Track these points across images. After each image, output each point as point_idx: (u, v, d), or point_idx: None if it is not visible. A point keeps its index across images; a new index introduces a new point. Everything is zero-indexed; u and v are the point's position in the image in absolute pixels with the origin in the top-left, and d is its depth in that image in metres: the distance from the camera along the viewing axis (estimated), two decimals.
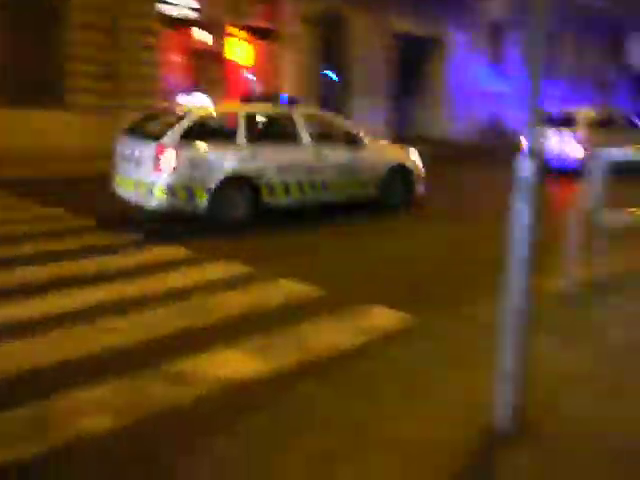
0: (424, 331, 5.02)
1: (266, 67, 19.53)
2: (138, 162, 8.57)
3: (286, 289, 6.19)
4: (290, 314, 5.45)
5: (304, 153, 9.36)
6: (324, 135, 10.04)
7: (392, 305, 5.63)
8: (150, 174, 8.33)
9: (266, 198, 8.94)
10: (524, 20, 3.34)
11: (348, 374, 4.27)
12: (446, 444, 3.40)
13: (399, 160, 10.48)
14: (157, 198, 8.29)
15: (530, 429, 3.49)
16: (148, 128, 9.26)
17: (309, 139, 9.45)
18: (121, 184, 8.97)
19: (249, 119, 9.11)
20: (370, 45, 20.95)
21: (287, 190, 9.13)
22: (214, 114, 9.52)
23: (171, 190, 8.25)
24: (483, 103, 23.64)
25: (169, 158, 8.21)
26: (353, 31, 20.60)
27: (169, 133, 8.39)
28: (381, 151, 10.56)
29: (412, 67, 22.31)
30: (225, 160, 8.62)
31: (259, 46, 19.36)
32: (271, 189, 8.97)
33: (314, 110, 10.84)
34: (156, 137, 8.50)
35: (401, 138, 21.43)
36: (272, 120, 9.87)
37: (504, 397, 3.46)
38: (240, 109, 9.24)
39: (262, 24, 18.96)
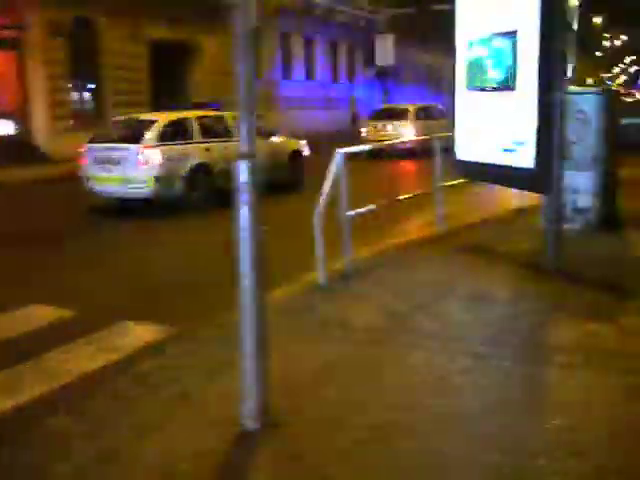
0: (178, 342, 4.96)
1: (9, 79, 18.21)
2: (122, 162, 10.71)
3: (35, 315, 5.82)
4: (37, 342, 5.13)
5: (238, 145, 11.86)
6: None
7: (150, 318, 5.53)
8: (138, 170, 10.54)
9: (218, 182, 11.11)
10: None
11: (99, 398, 4.11)
12: (195, 451, 3.40)
13: (296, 147, 13.94)
14: (148, 188, 10.60)
15: (275, 428, 3.58)
16: (118, 135, 11.55)
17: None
18: (102, 182, 10.99)
19: (199, 122, 11.74)
20: (125, 53, 20.36)
21: (229, 175, 11.05)
22: (174, 119, 11.68)
23: (158, 180, 10.61)
24: None
25: (154, 156, 10.61)
26: (106, 40, 19.89)
27: (148, 136, 10.79)
28: (285, 141, 13.79)
29: (171, 74, 22.03)
30: (190, 154, 11.21)
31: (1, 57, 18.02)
32: (220, 175, 11.08)
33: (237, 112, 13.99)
34: (135, 140, 10.79)
35: None
36: (212, 121, 12.38)
37: (250, 398, 3.53)
38: (193, 114, 12.13)
39: (1, 33, 17.66)
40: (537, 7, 5.83)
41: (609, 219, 7.84)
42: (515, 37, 6.17)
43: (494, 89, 6.58)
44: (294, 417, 3.72)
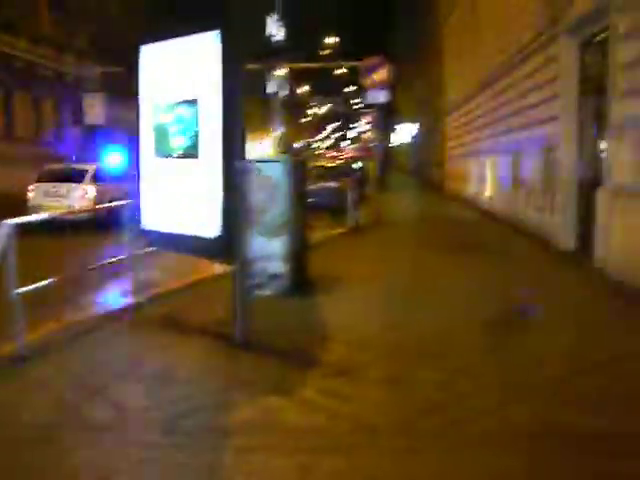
0: None
1: None
2: (66, 195, 15.84)
3: None
4: None
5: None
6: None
7: None
8: (80, 202, 15.63)
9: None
10: None
11: None
12: None
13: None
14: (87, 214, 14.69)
15: None
16: (60, 175, 16.55)
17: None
18: (49, 209, 14.08)
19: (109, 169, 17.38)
20: None
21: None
22: (98, 167, 16.98)
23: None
24: None
25: (92, 191, 15.96)
26: None
27: (86, 177, 16.28)
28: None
29: None
30: (108, 191, 15.88)
31: None
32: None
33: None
34: (76, 180, 16.18)
35: None
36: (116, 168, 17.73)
37: None
38: (105, 165, 17.63)
39: None
40: (214, 78, 5.82)
41: (301, 284, 8.06)
42: (197, 105, 6.11)
43: (180, 156, 6.42)
44: None
